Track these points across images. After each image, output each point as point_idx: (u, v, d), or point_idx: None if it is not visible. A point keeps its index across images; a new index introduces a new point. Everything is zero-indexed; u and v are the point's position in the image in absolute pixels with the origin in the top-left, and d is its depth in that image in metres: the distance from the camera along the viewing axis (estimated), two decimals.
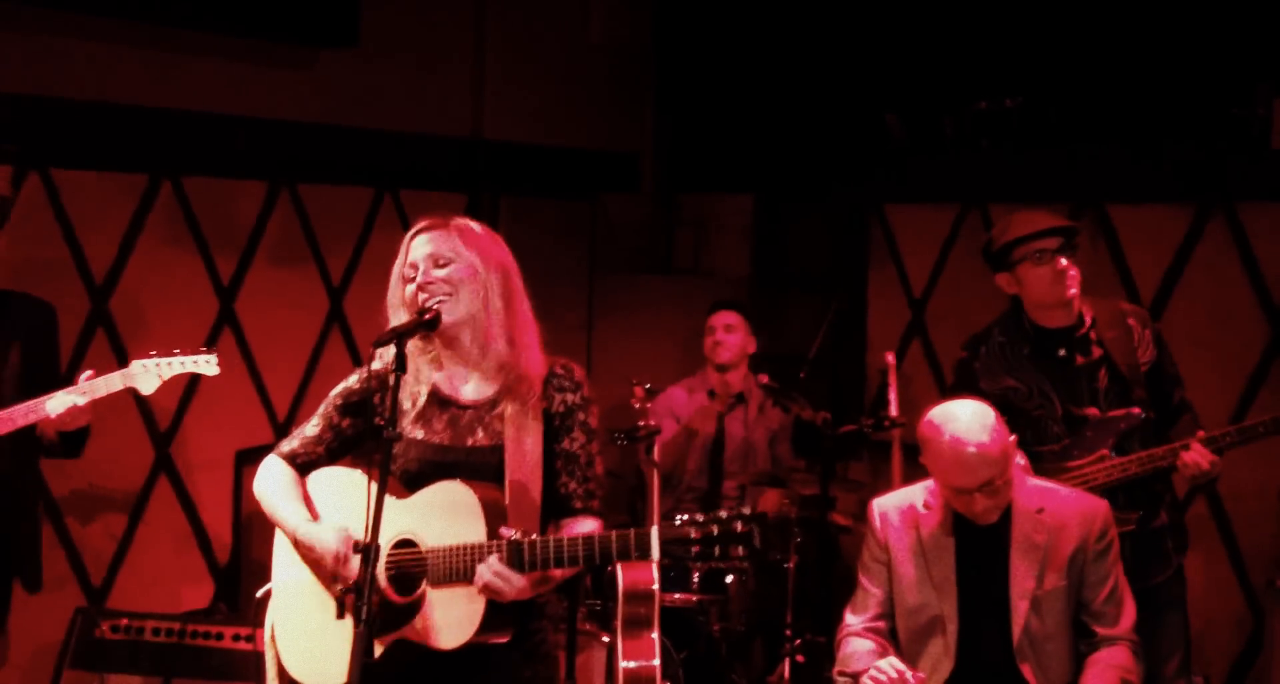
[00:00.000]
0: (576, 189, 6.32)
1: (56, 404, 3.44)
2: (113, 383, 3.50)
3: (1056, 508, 3.35)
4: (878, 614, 3.43)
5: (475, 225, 2.83)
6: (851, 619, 3.45)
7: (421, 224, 2.82)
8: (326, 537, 2.75)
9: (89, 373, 3.52)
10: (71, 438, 3.57)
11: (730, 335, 5.30)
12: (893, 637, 3.43)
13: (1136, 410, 3.76)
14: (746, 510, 2.55)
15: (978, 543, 3.36)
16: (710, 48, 6.47)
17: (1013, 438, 3.32)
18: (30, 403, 3.46)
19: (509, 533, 2.61)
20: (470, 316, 2.75)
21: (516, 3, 5.94)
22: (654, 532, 2.55)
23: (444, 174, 5.72)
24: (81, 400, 3.44)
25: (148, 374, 3.52)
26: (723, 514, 2.54)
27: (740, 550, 2.53)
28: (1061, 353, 3.84)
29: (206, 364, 3.56)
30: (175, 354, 3.54)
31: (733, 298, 5.56)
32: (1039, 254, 3.77)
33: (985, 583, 3.34)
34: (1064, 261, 3.76)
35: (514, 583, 2.60)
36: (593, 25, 6.31)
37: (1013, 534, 3.34)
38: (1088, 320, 3.85)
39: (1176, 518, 3.94)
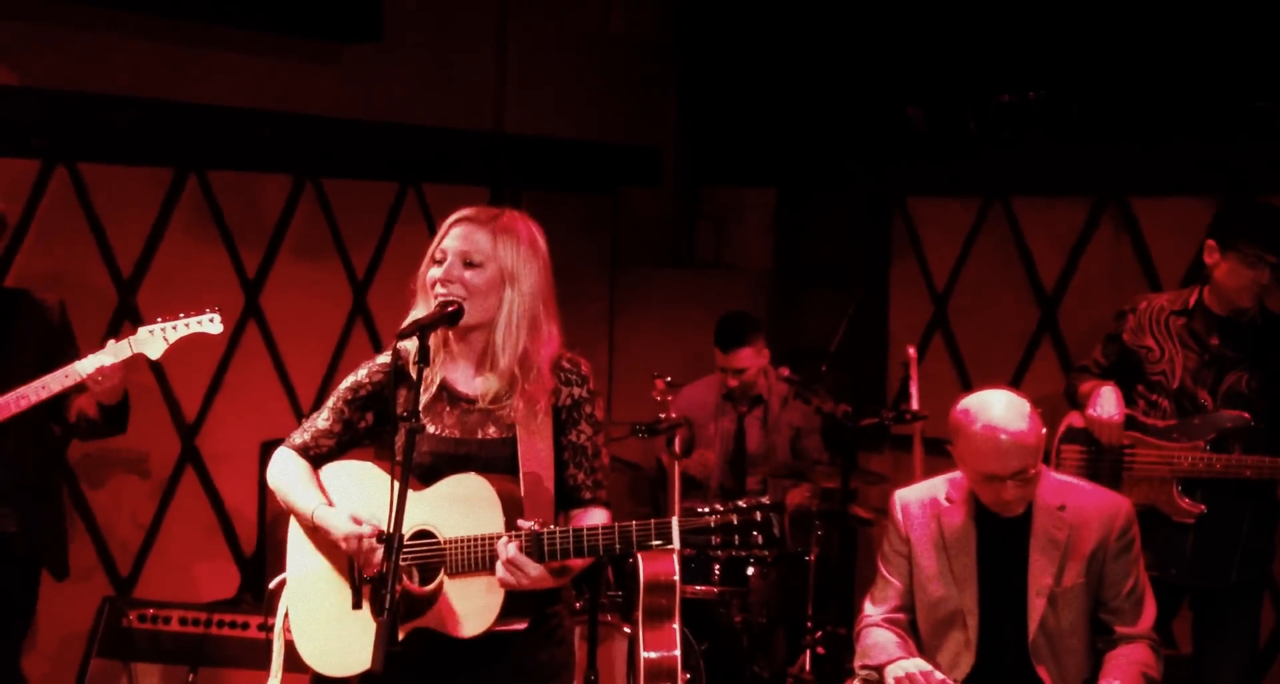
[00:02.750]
0: (598, 183, 6.33)
1: (88, 364, 3.44)
2: (121, 350, 3.49)
3: (1078, 504, 3.35)
4: (897, 606, 3.44)
5: (521, 227, 2.78)
6: (871, 610, 3.46)
7: (467, 213, 2.79)
8: (342, 523, 2.76)
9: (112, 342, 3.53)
10: (113, 411, 3.57)
11: (743, 377, 5.26)
12: (912, 629, 3.43)
13: (1246, 415, 3.82)
14: (766, 500, 2.56)
15: (999, 537, 3.36)
16: (732, 40, 6.46)
17: (1044, 431, 3.33)
18: (60, 370, 3.46)
19: (527, 525, 2.63)
20: (486, 322, 2.75)
21: None
22: (674, 521, 2.56)
23: (466, 168, 5.74)
24: (109, 360, 3.44)
25: (154, 339, 3.51)
26: (742, 504, 2.56)
27: (760, 539, 2.54)
28: (1214, 341, 3.90)
29: (210, 323, 3.54)
30: (179, 317, 3.53)
31: (737, 314, 5.36)
32: (1258, 258, 3.83)
33: (1005, 578, 3.34)
34: (1267, 278, 3.84)
35: (529, 572, 2.61)
36: (614, 18, 6.32)
37: (1033, 530, 3.33)
38: (1257, 322, 3.92)
39: (1256, 535, 3.93)
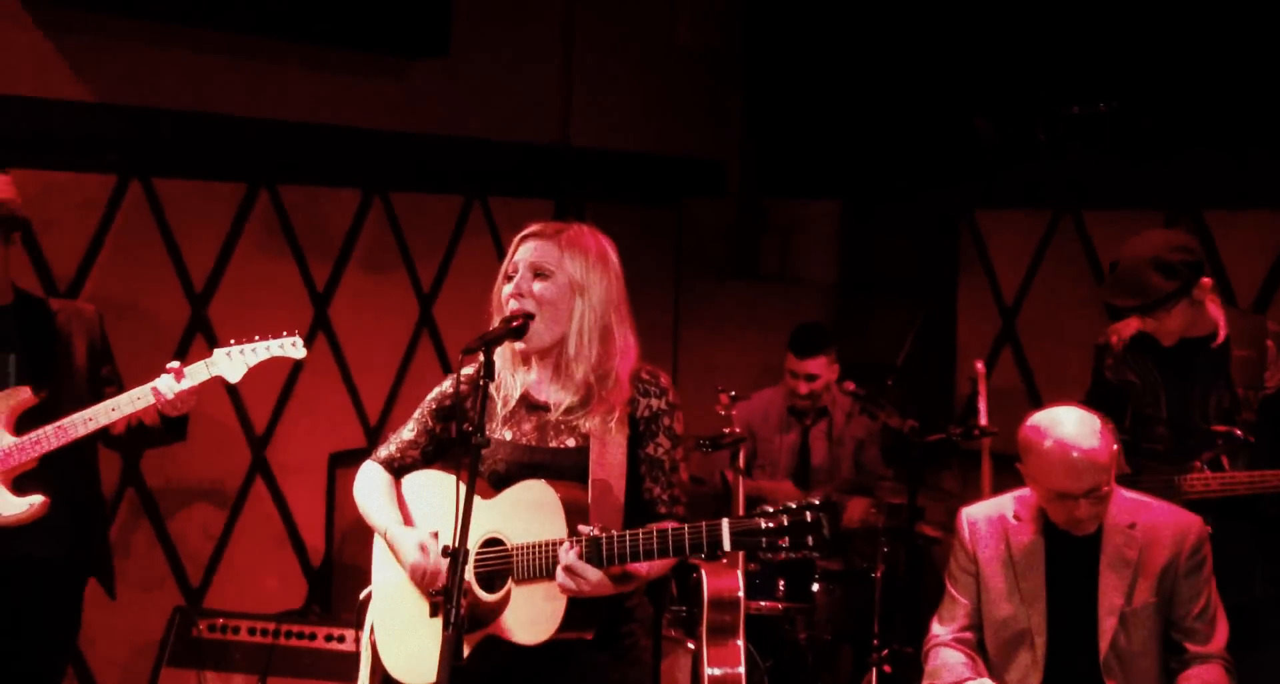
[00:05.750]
0: (663, 195, 6.33)
1: (166, 386, 3.37)
2: (199, 372, 3.42)
3: (1149, 523, 3.30)
4: (965, 625, 3.40)
5: (589, 240, 2.81)
6: (939, 629, 3.42)
7: (534, 228, 2.83)
8: (409, 549, 2.80)
9: (176, 364, 3.46)
10: (175, 421, 3.52)
11: (812, 384, 5.23)
12: (980, 648, 3.39)
13: (1238, 432, 3.75)
14: (816, 500, 2.54)
15: (1068, 556, 3.31)
16: (797, 51, 6.44)
17: (1116, 446, 3.28)
18: (134, 391, 3.41)
19: (588, 530, 2.64)
20: (560, 333, 2.78)
21: (604, 10, 5.98)
22: (724, 523, 2.56)
23: (532, 181, 5.77)
24: (185, 385, 3.37)
25: (232, 361, 3.43)
26: (792, 504, 2.54)
27: (810, 540, 2.52)
28: (1192, 361, 3.86)
29: (293, 347, 3.46)
30: (255, 339, 3.45)
31: (815, 324, 5.38)
32: (1119, 315, 3.86)
33: (1074, 597, 3.30)
34: (1150, 322, 3.81)
35: (589, 578, 2.62)
36: (680, 31, 6.33)
37: (1103, 549, 3.29)
38: (1221, 336, 3.85)
39: (1276, 549, 3.86)
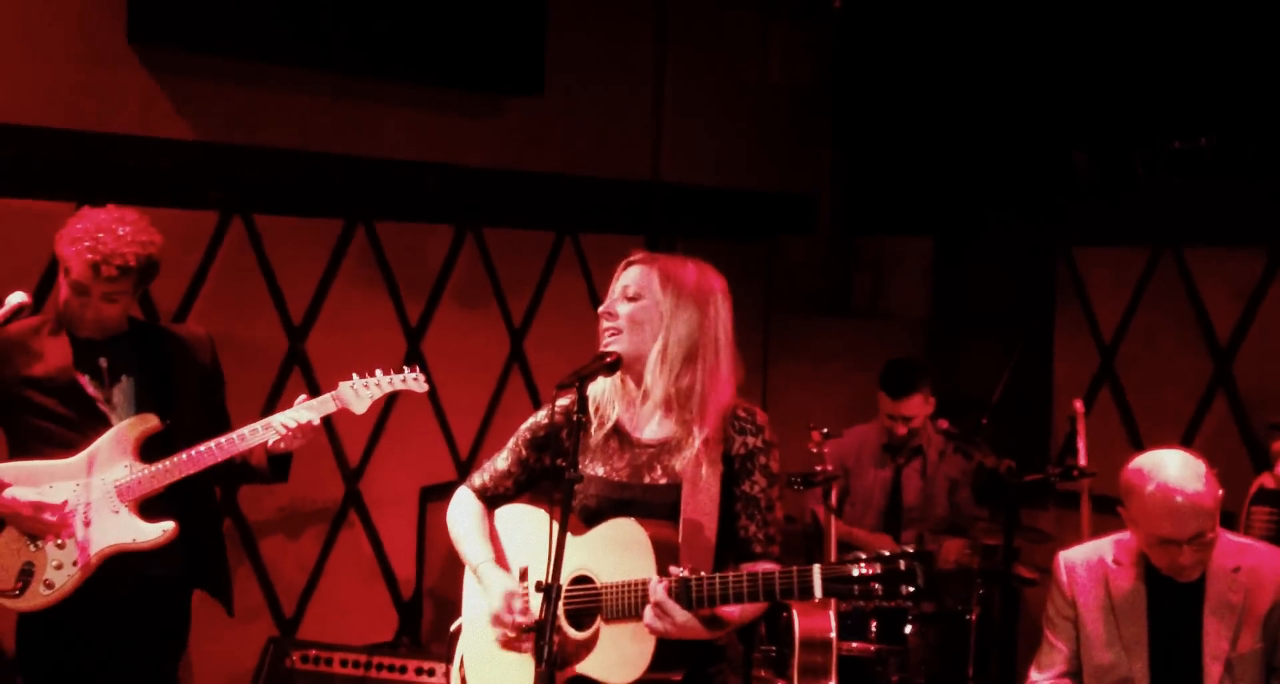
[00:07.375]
0: (753, 231, 6.33)
1: (288, 419, 3.43)
2: (326, 404, 3.51)
3: (1253, 566, 3.21)
4: (1064, 672, 3.32)
5: (685, 271, 2.82)
6: (1036, 676, 3.35)
7: (634, 256, 2.88)
8: (497, 594, 2.81)
9: (304, 396, 3.55)
10: (280, 461, 3.57)
11: (910, 424, 5.13)
12: None
13: None
14: (911, 549, 2.50)
15: (1171, 601, 3.23)
16: (888, 86, 6.41)
17: (1221, 493, 3.19)
18: (256, 424, 3.46)
19: (678, 571, 2.62)
20: (640, 355, 2.78)
21: (696, 46, 6.01)
22: (816, 569, 2.53)
23: (623, 217, 5.79)
24: (307, 416, 3.44)
25: (358, 396, 3.53)
26: (886, 552, 2.50)
27: (906, 589, 2.48)
28: None
29: (415, 381, 3.58)
30: (377, 374, 3.55)
31: (905, 360, 5.27)
32: None
33: (1178, 643, 3.21)
34: None
35: (676, 617, 2.59)
36: (771, 67, 6.33)
37: (1207, 593, 3.20)
38: None
39: None
